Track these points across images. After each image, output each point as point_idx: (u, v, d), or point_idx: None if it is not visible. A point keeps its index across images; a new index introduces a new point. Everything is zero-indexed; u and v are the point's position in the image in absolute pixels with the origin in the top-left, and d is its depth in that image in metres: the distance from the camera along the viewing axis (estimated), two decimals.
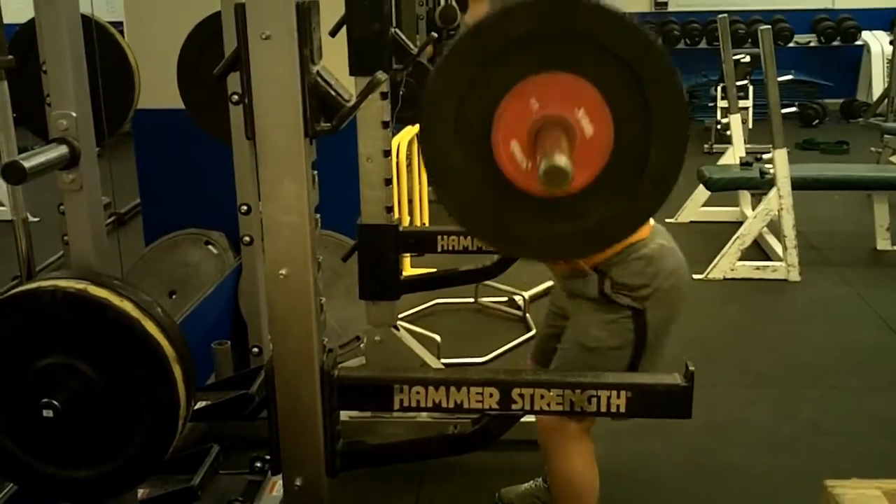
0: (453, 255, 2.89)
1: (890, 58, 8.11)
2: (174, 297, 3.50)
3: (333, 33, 2.43)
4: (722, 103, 7.28)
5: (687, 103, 1.44)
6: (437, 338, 3.65)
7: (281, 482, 1.84)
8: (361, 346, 3.11)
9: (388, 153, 2.72)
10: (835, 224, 5.67)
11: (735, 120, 6.16)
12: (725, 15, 6.33)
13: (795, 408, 3.36)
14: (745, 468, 2.92)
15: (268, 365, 1.74)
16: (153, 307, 1.65)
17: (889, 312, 4.22)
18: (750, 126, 6.99)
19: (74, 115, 1.64)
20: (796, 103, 8.68)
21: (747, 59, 7.17)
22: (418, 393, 1.78)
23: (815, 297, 4.54)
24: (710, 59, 8.41)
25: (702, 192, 5.59)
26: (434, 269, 3.81)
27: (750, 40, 8.89)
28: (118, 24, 3.11)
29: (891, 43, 8.48)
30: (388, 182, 2.74)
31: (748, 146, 6.12)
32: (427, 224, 5.00)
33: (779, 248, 4.84)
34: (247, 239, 2.74)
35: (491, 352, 3.79)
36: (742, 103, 6.64)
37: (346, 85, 1.80)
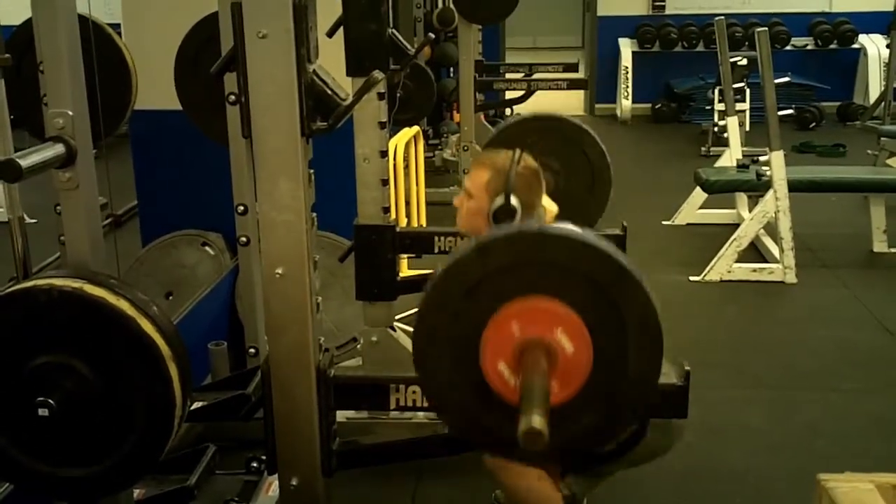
0: None
1: (886, 61, 8.11)
2: (171, 297, 3.49)
3: (331, 34, 2.43)
4: (719, 106, 7.29)
5: (658, 314, 1.49)
6: None
7: (277, 482, 1.84)
8: (358, 346, 3.11)
9: (384, 154, 2.72)
10: (831, 226, 5.66)
11: (732, 122, 6.16)
12: (722, 18, 6.34)
13: (792, 409, 3.35)
14: (742, 469, 2.92)
15: (264, 364, 1.74)
16: (149, 306, 1.65)
17: (885, 314, 4.22)
18: (747, 129, 7.00)
19: (71, 113, 1.64)
20: (793, 106, 8.67)
21: (744, 61, 7.17)
22: (414, 393, 1.78)
23: (811, 299, 4.54)
24: (707, 62, 8.42)
25: (699, 195, 5.59)
26: (431, 270, 3.79)
27: (747, 43, 8.87)
28: (116, 27, 3.10)
29: (887, 46, 8.48)
30: (385, 183, 2.75)
31: (745, 149, 6.12)
32: (424, 225, 4.99)
33: (775, 251, 4.83)
34: (243, 240, 2.74)
35: None
36: (739, 106, 6.65)
37: (344, 86, 1.80)
